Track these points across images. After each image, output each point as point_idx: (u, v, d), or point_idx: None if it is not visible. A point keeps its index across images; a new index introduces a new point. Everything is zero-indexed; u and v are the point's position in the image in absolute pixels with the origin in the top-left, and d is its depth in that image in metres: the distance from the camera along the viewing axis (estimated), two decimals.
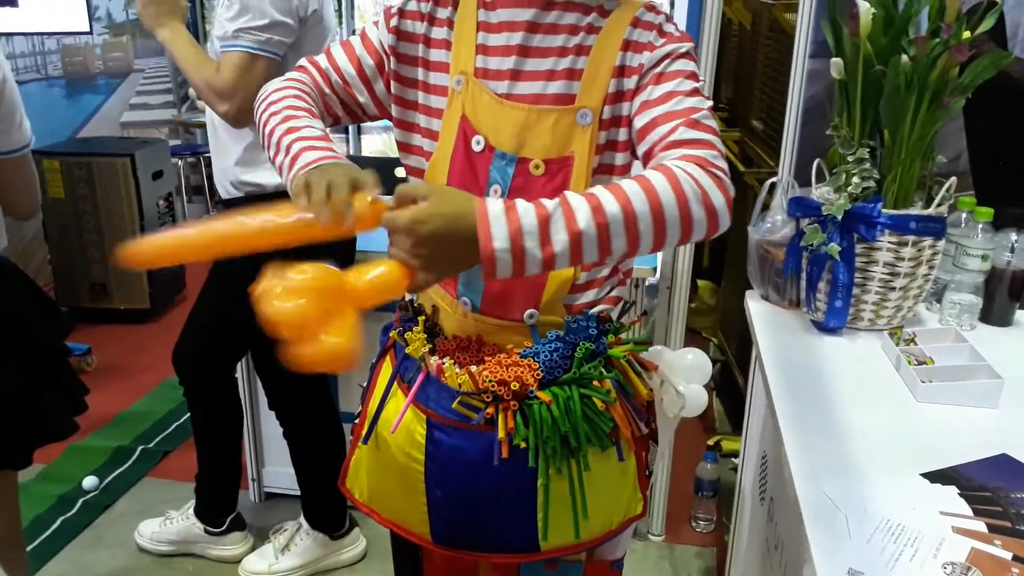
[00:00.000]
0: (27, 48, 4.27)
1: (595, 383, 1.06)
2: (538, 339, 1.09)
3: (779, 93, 2.41)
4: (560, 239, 0.87)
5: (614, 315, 1.14)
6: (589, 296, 1.11)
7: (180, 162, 4.82)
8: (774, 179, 1.70)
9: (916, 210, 1.44)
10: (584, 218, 0.87)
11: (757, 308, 1.64)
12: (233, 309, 1.83)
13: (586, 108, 1.03)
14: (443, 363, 1.09)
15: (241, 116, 1.68)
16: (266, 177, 1.74)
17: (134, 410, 2.97)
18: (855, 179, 1.44)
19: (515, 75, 1.05)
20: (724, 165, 0.94)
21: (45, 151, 3.67)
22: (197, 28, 4.90)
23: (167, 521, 2.16)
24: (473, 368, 1.06)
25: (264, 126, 1.08)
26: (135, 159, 3.62)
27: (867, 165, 1.43)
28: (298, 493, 2.26)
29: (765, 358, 1.41)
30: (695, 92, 0.99)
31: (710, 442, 2.58)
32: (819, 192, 1.52)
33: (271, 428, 2.30)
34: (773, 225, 1.60)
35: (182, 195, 4.89)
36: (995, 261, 1.53)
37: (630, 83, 1.02)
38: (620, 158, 1.07)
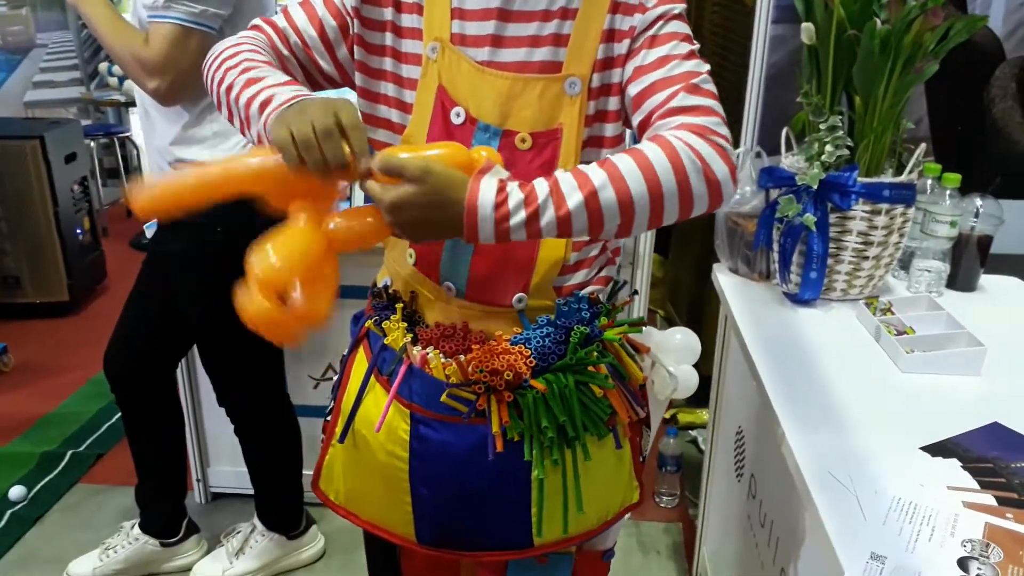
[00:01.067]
0: None
1: (590, 368, 1.00)
2: (528, 324, 1.02)
3: (730, 61, 2.39)
4: (549, 229, 0.85)
5: (604, 296, 1.08)
6: (579, 277, 1.05)
7: (93, 143, 4.53)
8: (740, 149, 1.66)
9: (888, 178, 1.42)
10: (575, 204, 0.83)
11: (727, 281, 1.61)
12: (180, 300, 1.71)
13: (574, 76, 0.96)
14: (427, 353, 1.01)
15: (172, 93, 1.55)
16: (209, 152, 1.61)
17: (60, 412, 2.77)
18: (828, 147, 1.41)
19: (496, 41, 0.97)
20: (726, 132, 0.89)
21: None
22: None
23: (107, 551, 1.97)
24: (461, 357, 0.99)
25: (219, 85, 0.97)
26: (45, 141, 3.37)
27: (840, 133, 1.41)
28: (246, 492, 2.15)
29: (744, 333, 1.38)
30: (692, 55, 0.94)
31: (666, 415, 2.57)
32: (788, 162, 1.49)
33: (214, 425, 2.18)
34: (742, 197, 1.57)
35: (96, 178, 4.61)
36: (960, 227, 1.53)
37: (621, 48, 0.96)
38: (610, 129, 1.00)
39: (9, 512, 2.22)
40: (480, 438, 0.99)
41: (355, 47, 1.02)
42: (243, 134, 0.95)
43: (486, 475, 1.01)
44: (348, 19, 1.02)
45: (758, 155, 1.60)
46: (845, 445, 1.05)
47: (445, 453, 1.02)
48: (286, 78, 0.96)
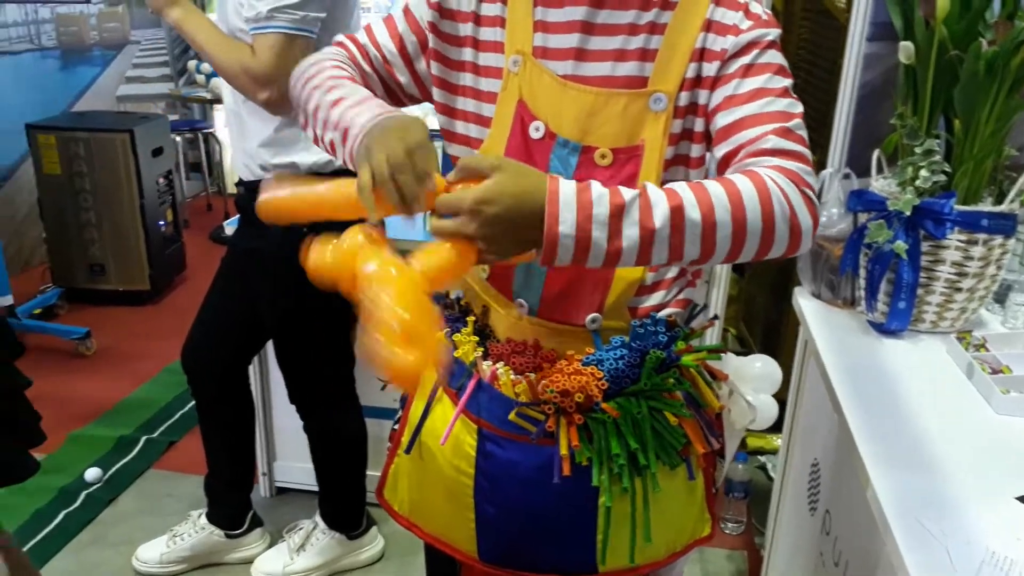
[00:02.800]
0: (20, 17, 4.12)
1: (665, 395, 0.97)
2: (601, 345, 1.00)
3: (817, 78, 2.31)
4: (631, 234, 0.80)
5: (682, 320, 1.05)
6: (656, 299, 1.02)
7: (178, 138, 4.68)
8: (827, 170, 1.60)
9: (987, 206, 1.35)
10: (661, 215, 0.80)
11: (808, 306, 1.55)
12: (261, 297, 1.73)
13: (660, 92, 0.93)
14: (497, 369, 1.00)
15: (283, 101, 1.57)
16: (300, 156, 1.64)
17: (136, 397, 2.87)
18: (923, 172, 1.34)
19: (580, 54, 0.95)
20: (814, 182, 0.87)
21: (40, 125, 3.54)
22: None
23: (175, 539, 2.02)
24: (532, 376, 0.97)
25: (305, 104, 0.98)
26: (134, 135, 3.49)
27: (936, 158, 1.34)
28: (310, 488, 2.18)
29: (827, 362, 1.32)
30: (786, 92, 0.91)
31: None
32: (879, 185, 1.43)
33: (283, 421, 2.22)
34: (829, 219, 1.51)
35: (180, 172, 4.76)
36: None
37: (711, 69, 0.93)
38: (696, 150, 0.98)
39: (84, 493, 2.30)
40: (548, 459, 0.97)
41: (432, 62, 1.02)
42: (334, 154, 0.96)
43: (552, 497, 0.99)
44: (426, 34, 1.01)
45: (846, 176, 1.54)
46: (934, 490, 0.99)
47: (512, 472, 1.00)
48: (364, 94, 0.95)
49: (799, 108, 0.91)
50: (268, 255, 1.66)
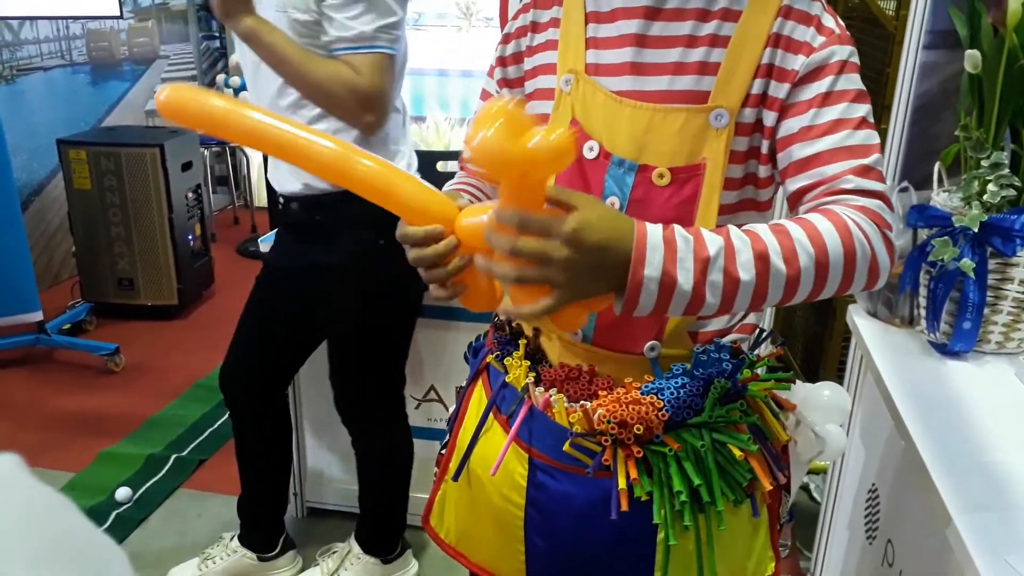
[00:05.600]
0: (51, 33, 4.15)
1: (731, 427, 0.92)
2: (660, 373, 0.94)
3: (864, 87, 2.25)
4: (716, 280, 0.75)
5: (747, 345, 0.99)
6: (719, 323, 0.96)
7: (206, 152, 4.69)
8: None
9: None
10: (746, 265, 0.76)
11: (865, 325, 1.48)
12: (324, 311, 1.69)
13: (721, 108, 0.88)
14: (550, 396, 0.95)
15: (379, 119, 1.55)
16: None
17: (165, 414, 2.84)
18: (991, 187, 1.28)
19: (635, 69, 0.90)
20: (892, 221, 0.83)
21: (71, 141, 3.55)
22: None
23: (207, 562, 1.98)
24: (587, 404, 0.92)
25: None
26: (164, 149, 3.49)
27: (1005, 171, 1.28)
28: (342, 509, 2.14)
29: (889, 385, 1.26)
30: (863, 123, 0.86)
31: None
32: (941, 199, 1.37)
33: (315, 440, 2.18)
34: None
35: (208, 185, 4.77)
36: None
37: (780, 90, 0.87)
38: (764, 170, 0.92)
39: (115, 513, 2.27)
40: (604, 493, 0.92)
41: None
42: None
43: (608, 533, 0.93)
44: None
45: (904, 190, 1.48)
46: (1019, 526, 0.93)
47: (565, 505, 0.95)
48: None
49: (876, 139, 0.86)
50: (340, 269, 1.63)
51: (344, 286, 1.65)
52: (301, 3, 1.48)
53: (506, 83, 1.04)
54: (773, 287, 0.77)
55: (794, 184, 0.87)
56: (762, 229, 0.78)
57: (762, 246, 0.77)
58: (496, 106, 0.72)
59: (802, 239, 0.78)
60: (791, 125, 0.87)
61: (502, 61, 1.03)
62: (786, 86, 0.87)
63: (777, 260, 0.76)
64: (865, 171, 0.83)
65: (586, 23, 0.94)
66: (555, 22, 0.97)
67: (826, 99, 0.85)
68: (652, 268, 0.74)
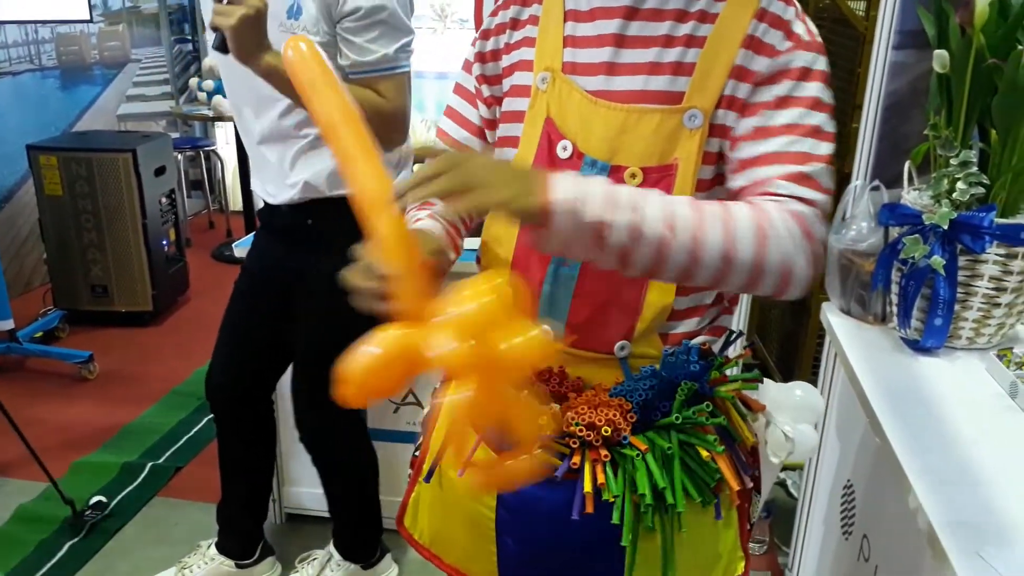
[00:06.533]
0: (20, 37, 4.08)
1: (698, 429, 0.92)
2: (629, 374, 0.95)
3: (834, 88, 2.27)
4: (622, 219, 0.77)
5: (716, 347, 1.00)
6: (689, 325, 0.96)
7: (180, 156, 4.64)
8: (856, 183, 1.56)
9: None
10: (653, 217, 0.77)
11: (838, 323, 1.50)
12: (302, 318, 1.66)
13: (696, 109, 0.88)
14: None
15: (407, 137, 1.59)
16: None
17: (141, 421, 2.81)
18: (960, 185, 1.30)
19: (611, 68, 0.90)
20: (823, 233, 0.83)
21: (41, 146, 3.50)
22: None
23: (185, 571, 1.96)
24: (556, 407, 0.92)
25: None
26: (137, 155, 3.45)
27: (973, 169, 1.30)
28: (321, 515, 2.12)
29: (864, 383, 1.27)
30: (816, 132, 0.85)
31: None
32: (912, 198, 1.38)
33: (293, 446, 2.15)
34: (859, 233, 1.46)
35: (182, 190, 4.72)
36: None
37: (743, 91, 0.88)
38: None
39: (90, 523, 2.23)
40: (572, 494, 0.92)
41: (494, 107, 1.04)
42: None
43: (576, 534, 0.94)
44: (479, 96, 1.04)
45: (875, 188, 1.50)
46: (992, 521, 0.94)
47: (534, 507, 0.95)
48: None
49: (826, 150, 0.85)
50: (331, 272, 1.61)
51: (333, 291, 1.63)
52: (313, 24, 1.45)
53: (484, 79, 1.03)
54: (677, 250, 0.78)
55: (732, 183, 0.88)
56: (680, 200, 0.80)
57: (671, 209, 0.78)
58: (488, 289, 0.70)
59: (717, 213, 0.79)
60: (745, 125, 0.87)
61: (481, 57, 1.03)
62: (747, 87, 0.87)
63: (685, 224, 0.78)
64: (801, 178, 0.83)
65: (565, 21, 0.94)
66: (534, 19, 0.97)
67: (781, 103, 0.86)
68: (565, 185, 0.76)
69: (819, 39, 0.89)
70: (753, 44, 0.87)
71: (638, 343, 0.94)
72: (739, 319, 1.95)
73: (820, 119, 0.86)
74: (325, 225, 1.60)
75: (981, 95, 1.28)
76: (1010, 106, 1.24)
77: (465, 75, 1.06)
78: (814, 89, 0.86)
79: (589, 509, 0.89)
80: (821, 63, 0.87)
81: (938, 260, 1.29)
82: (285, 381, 2.00)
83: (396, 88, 1.48)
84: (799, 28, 0.88)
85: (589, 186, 0.77)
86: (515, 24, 0.99)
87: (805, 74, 0.86)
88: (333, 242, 1.63)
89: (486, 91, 1.03)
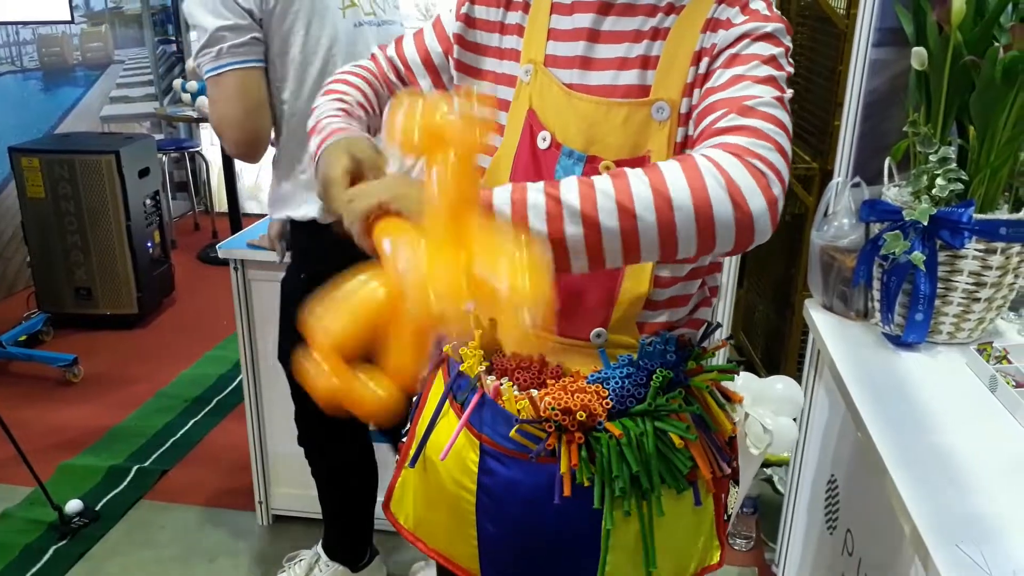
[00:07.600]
0: (1, 39, 4.05)
1: (672, 416, 0.93)
2: (607, 362, 0.95)
3: (816, 85, 2.29)
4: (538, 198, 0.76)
5: (695, 339, 1.01)
6: (666, 316, 0.97)
7: (164, 157, 4.62)
8: (836, 180, 1.57)
9: (1004, 214, 1.32)
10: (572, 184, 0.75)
11: (821, 319, 1.51)
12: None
13: (662, 101, 0.88)
14: (500, 384, 0.96)
15: (241, 148, 1.49)
16: (294, 211, 1.60)
17: (127, 425, 2.79)
18: (939, 181, 1.31)
19: (584, 63, 0.91)
20: (774, 158, 0.75)
21: (23, 148, 3.47)
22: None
23: None
24: (534, 392, 0.93)
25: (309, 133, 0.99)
26: (120, 156, 3.43)
27: (952, 166, 1.31)
28: (308, 516, 2.12)
29: (845, 377, 1.28)
30: (768, 80, 0.82)
31: None
32: (892, 194, 1.40)
33: (278, 446, 2.15)
34: (840, 229, 1.48)
35: (167, 192, 4.70)
36: None
37: (703, 66, 0.87)
38: None
39: (75, 527, 2.21)
40: (550, 479, 0.93)
41: (456, 72, 1.01)
42: None
43: (554, 518, 0.95)
44: (451, 44, 1.00)
45: (856, 185, 1.51)
46: (971, 514, 0.95)
47: (513, 490, 0.97)
48: (339, 124, 0.96)
49: (774, 93, 0.81)
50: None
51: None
52: None
53: (461, 41, 0.99)
54: (606, 214, 0.73)
55: (684, 137, 0.88)
56: (599, 176, 0.77)
57: (588, 181, 0.75)
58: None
59: (637, 171, 0.75)
60: (701, 91, 0.86)
61: (470, 21, 0.98)
62: (705, 61, 0.87)
63: (604, 186, 0.74)
64: (746, 111, 0.79)
65: (551, 13, 0.94)
66: (525, 7, 0.96)
67: (733, 60, 0.84)
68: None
69: (779, 15, 0.88)
70: (711, 25, 0.87)
71: (615, 331, 0.95)
72: (724, 315, 1.96)
73: (775, 73, 0.83)
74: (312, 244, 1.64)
75: (959, 92, 1.30)
76: (987, 103, 1.25)
77: (430, 29, 1.04)
78: (768, 48, 0.84)
79: (567, 492, 0.90)
80: (781, 33, 0.86)
81: (918, 256, 1.30)
82: (282, 381, 1.99)
83: (213, 94, 1.43)
84: (756, 4, 0.87)
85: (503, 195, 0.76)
86: (509, 4, 0.97)
87: (759, 36, 0.84)
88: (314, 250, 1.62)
89: (456, 52, 1.00)
